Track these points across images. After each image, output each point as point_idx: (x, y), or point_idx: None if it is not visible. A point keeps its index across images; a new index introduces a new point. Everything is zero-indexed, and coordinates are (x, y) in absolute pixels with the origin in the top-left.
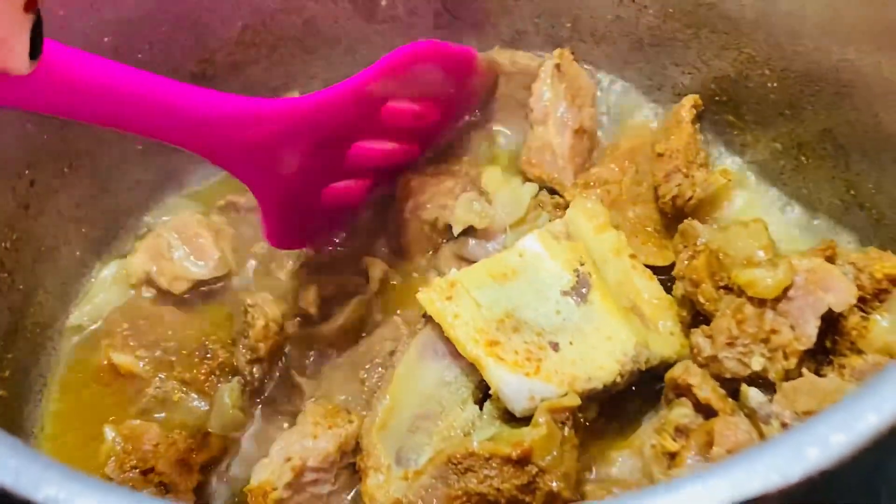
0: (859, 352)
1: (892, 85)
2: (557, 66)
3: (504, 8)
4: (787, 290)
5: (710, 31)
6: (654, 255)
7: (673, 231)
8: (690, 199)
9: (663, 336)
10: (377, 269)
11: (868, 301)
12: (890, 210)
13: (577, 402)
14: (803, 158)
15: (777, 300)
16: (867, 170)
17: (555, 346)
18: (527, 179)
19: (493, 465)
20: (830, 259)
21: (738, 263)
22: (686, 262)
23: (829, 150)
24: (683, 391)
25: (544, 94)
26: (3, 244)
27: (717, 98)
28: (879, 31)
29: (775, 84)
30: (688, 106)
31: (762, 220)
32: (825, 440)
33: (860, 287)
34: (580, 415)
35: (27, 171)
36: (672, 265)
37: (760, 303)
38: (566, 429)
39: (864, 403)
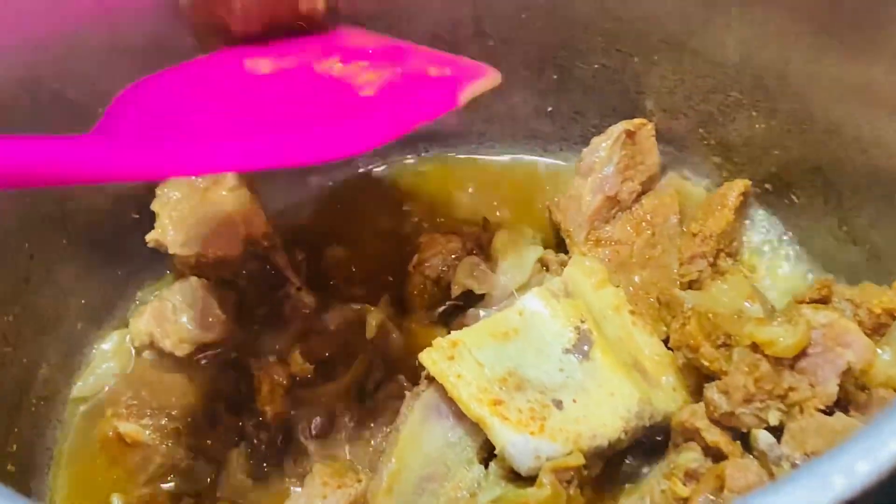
0: (863, 387)
1: (881, 123)
2: (629, 133)
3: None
4: (805, 347)
5: (696, 77)
6: (650, 329)
7: None
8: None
9: (666, 391)
10: (375, 317)
11: (869, 336)
12: (884, 244)
13: (581, 461)
14: (794, 197)
15: (796, 358)
16: (859, 205)
17: (558, 404)
18: (551, 221)
19: None
20: (827, 298)
21: (729, 320)
22: (678, 331)
23: (820, 187)
24: (691, 435)
25: (599, 151)
26: (5, 318)
27: (705, 142)
28: (860, 85)
29: (763, 125)
30: (736, 192)
31: (740, 270)
32: (851, 468)
33: (859, 323)
34: (585, 472)
35: (26, 245)
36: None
37: (778, 361)
38: (571, 488)
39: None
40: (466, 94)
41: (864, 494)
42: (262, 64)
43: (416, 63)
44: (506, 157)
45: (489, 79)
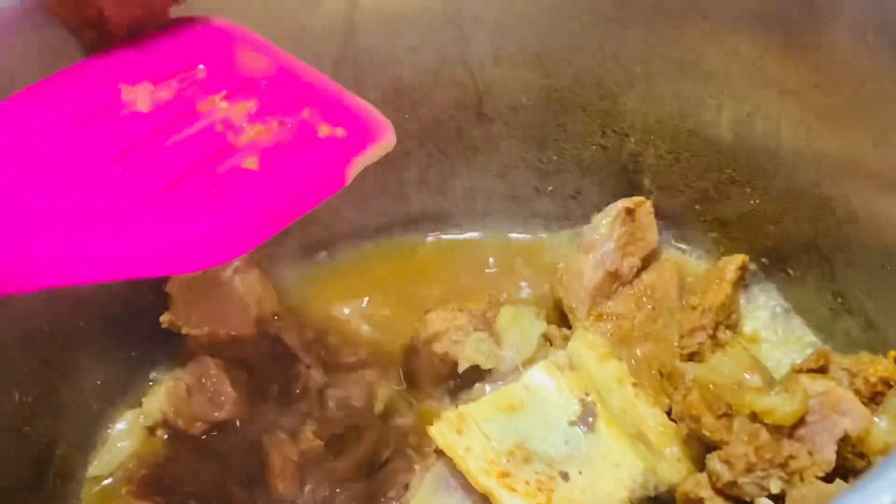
0: (862, 455)
1: (870, 196)
2: (628, 210)
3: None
4: (803, 415)
5: (691, 155)
6: (652, 401)
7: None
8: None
9: (670, 462)
10: (383, 393)
11: (865, 404)
12: (879, 314)
13: None
14: (790, 270)
15: (794, 427)
16: (853, 277)
17: (565, 476)
18: (553, 296)
19: None
20: (825, 368)
21: (729, 390)
22: (681, 402)
23: (815, 260)
24: None
25: (600, 228)
26: (25, 398)
27: (702, 218)
28: (848, 160)
29: (757, 201)
30: (733, 267)
31: (740, 342)
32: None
33: (856, 391)
34: None
35: (45, 327)
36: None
37: (777, 429)
38: None
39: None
40: (355, 168)
41: None
42: (139, 94)
43: (309, 112)
44: (509, 236)
45: (382, 143)
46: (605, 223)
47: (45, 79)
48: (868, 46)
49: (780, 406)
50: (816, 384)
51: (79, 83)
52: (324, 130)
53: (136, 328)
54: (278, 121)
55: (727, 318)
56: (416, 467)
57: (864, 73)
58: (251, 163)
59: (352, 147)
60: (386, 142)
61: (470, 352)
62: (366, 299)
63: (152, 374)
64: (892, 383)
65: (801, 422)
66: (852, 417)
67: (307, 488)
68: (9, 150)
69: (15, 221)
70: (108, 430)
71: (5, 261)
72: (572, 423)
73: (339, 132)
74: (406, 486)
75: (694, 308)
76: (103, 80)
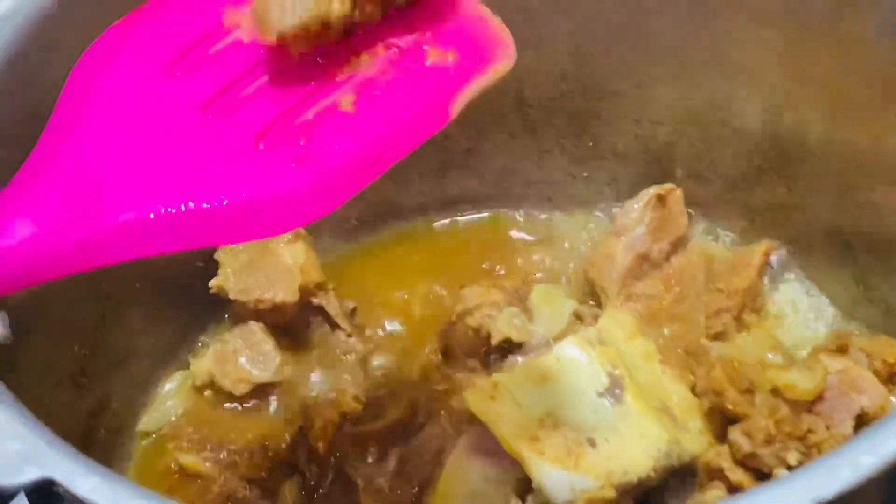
0: None
1: (892, 188)
2: (660, 197)
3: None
4: (822, 391)
5: (721, 145)
6: (677, 378)
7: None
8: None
9: (693, 434)
10: (420, 361)
11: (883, 384)
12: None
13: (613, 494)
14: (814, 257)
15: (813, 402)
16: (874, 264)
17: (592, 443)
18: (585, 276)
19: None
20: (844, 348)
21: (752, 368)
22: (704, 377)
23: (838, 248)
24: (716, 475)
25: (632, 213)
26: (82, 352)
27: (730, 205)
28: (873, 152)
29: (784, 190)
30: (759, 253)
31: (763, 324)
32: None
33: (875, 372)
34: None
35: (104, 285)
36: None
37: (796, 404)
38: None
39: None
40: (461, 100)
41: (868, 484)
42: (244, 18)
43: (422, 33)
44: (542, 218)
45: (496, 66)
46: (638, 208)
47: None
48: None
49: (801, 382)
50: (835, 362)
51: (179, 8)
52: (433, 56)
53: (188, 292)
54: (386, 44)
55: (752, 302)
56: (449, 431)
57: (891, 64)
58: (346, 103)
59: (460, 74)
60: (500, 65)
61: (503, 325)
62: (405, 274)
63: (201, 338)
64: None
65: (819, 397)
66: (869, 395)
67: (347, 448)
68: (96, 96)
69: (94, 187)
70: (158, 389)
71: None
72: (600, 395)
73: (451, 57)
74: (440, 451)
75: (720, 291)
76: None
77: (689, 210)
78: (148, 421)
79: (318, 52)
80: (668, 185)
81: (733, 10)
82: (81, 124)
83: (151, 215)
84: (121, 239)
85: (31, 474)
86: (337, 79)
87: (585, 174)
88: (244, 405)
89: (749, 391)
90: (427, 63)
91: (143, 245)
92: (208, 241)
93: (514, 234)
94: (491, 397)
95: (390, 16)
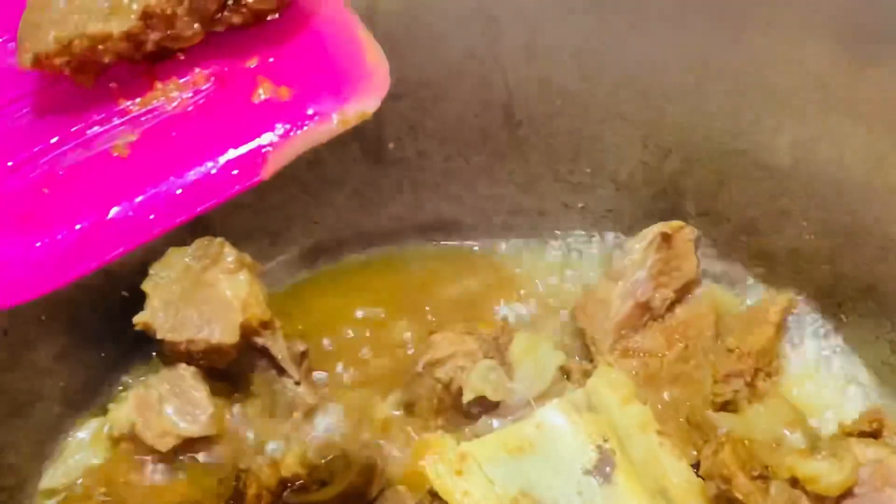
0: None
1: None
2: (665, 236)
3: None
4: (852, 486)
5: (742, 180)
6: (678, 453)
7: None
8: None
9: None
10: (378, 418)
11: None
12: None
13: None
14: (843, 317)
15: (841, 497)
16: None
17: None
18: (576, 327)
19: None
20: (878, 432)
21: (767, 449)
22: (711, 458)
23: (873, 307)
24: None
25: (632, 253)
26: None
27: (748, 250)
28: None
29: (812, 237)
30: (779, 307)
31: (780, 392)
32: None
33: None
34: None
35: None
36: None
37: (820, 499)
38: None
39: None
40: (282, 157)
41: None
42: None
43: (259, 61)
44: (530, 253)
45: (350, 110)
46: (639, 248)
47: None
48: None
49: (827, 474)
50: (869, 451)
51: None
52: (264, 90)
53: (109, 326)
54: (208, 72)
55: (768, 365)
56: None
57: None
58: (121, 145)
59: (291, 120)
60: (354, 109)
61: (477, 381)
62: (367, 311)
63: (123, 379)
64: None
65: (848, 492)
66: None
67: None
68: None
69: None
70: (69, 439)
71: None
72: (587, 473)
73: (285, 93)
74: None
75: (731, 351)
76: None
77: (699, 253)
78: (53, 477)
79: (112, 76)
80: (676, 223)
81: (766, 24)
82: None
83: None
84: None
85: None
86: (129, 109)
87: (581, 205)
88: (168, 463)
89: (762, 477)
90: (254, 99)
91: None
92: None
93: (495, 270)
94: (457, 471)
95: (224, 35)
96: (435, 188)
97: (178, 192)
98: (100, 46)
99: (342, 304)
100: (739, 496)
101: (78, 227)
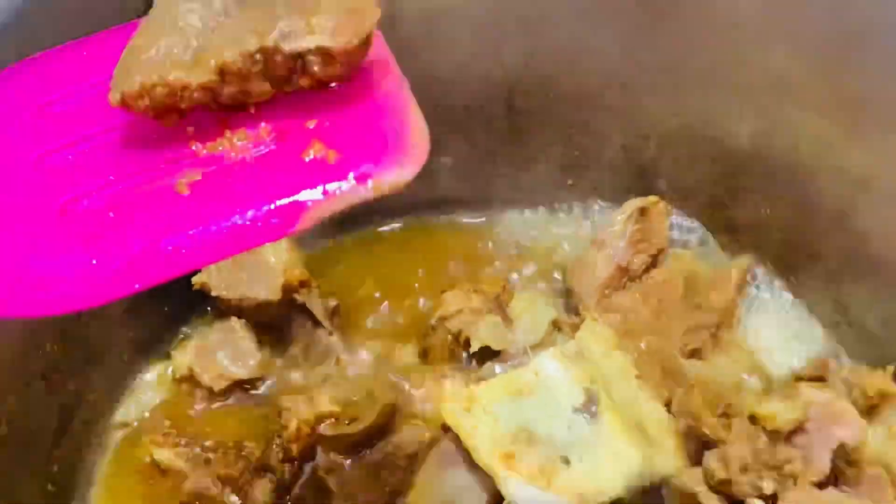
0: (853, 464)
1: (886, 215)
2: (642, 210)
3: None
4: (802, 423)
5: (709, 162)
6: (653, 394)
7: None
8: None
9: (666, 455)
10: (399, 363)
11: (862, 416)
12: (879, 329)
13: None
14: (793, 279)
15: (792, 433)
16: (858, 291)
17: (566, 461)
18: (566, 286)
19: None
20: (824, 376)
21: (730, 391)
22: (681, 399)
23: (819, 272)
24: (689, 499)
25: (614, 224)
26: (55, 347)
27: (713, 222)
28: (865, 176)
29: (768, 211)
30: (739, 270)
31: (739, 344)
32: None
33: (853, 402)
34: None
35: None
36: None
37: (775, 434)
38: None
39: None
40: (319, 212)
41: None
42: None
43: (317, 123)
44: (527, 224)
45: (386, 177)
46: (620, 220)
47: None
48: None
49: (781, 413)
50: (817, 394)
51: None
52: (315, 150)
53: (170, 286)
54: (271, 126)
55: (729, 319)
56: (425, 437)
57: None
58: (183, 184)
59: (333, 180)
60: (390, 177)
61: (483, 333)
62: (388, 273)
63: (183, 329)
64: (888, 396)
65: (799, 428)
66: (850, 429)
67: (319, 451)
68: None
69: None
70: (137, 380)
71: None
72: (576, 411)
73: (332, 157)
74: (414, 457)
75: (698, 307)
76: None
77: (672, 223)
78: (125, 412)
79: (191, 122)
80: (652, 198)
81: (733, 29)
82: None
83: None
84: None
85: None
86: (199, 153)
87: (570, 182)
88: (221, 401)
89: (726, 415)
90: (304, 157)
91: None
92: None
93: (497, 238)
94: (466, 409)
95: (291, 95)
96: (446, 169)
97: (222, 232)
98: (178, 94)
99: (366, 267)
100: (706, 431)
101: (130, 251)
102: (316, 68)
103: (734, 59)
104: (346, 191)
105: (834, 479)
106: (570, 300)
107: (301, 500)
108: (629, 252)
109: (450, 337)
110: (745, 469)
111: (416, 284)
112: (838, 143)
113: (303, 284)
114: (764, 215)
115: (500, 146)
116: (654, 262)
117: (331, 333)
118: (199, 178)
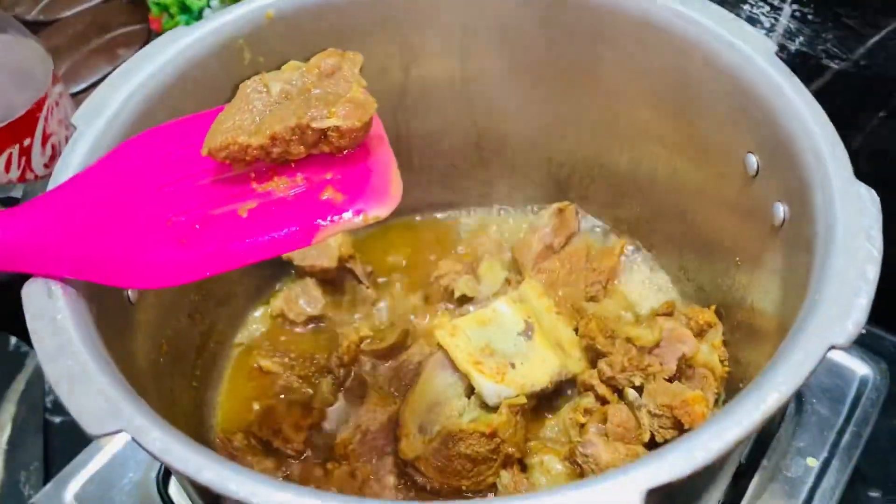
0: (690, 366)
1: (709, 212)
2: (560, 209)
3: (483, 164)
4: (658, 342)
5: (602, 180)
6: (567, 324)
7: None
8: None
9: (575, 361)
10: (410, 307)
11: (695, 337)
12: (706, 283)
13: (524, 400)
14: (654, 251)
15: (652, 348)
16: (692, 258)
17: (513, 366)
18: (513, 257)
19: (475, 437)
20: (671, 312)
21: (613, 322)
22: (584, 327)
23: (671, 247)
24: (588, 388)
25: (543, 218)
26: (194, 297)
27: (605, 216)
28: (700, 187)
29: (640, 209)
30: (619, 246)
31: (620, 291)
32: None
33: (689, 328)
34: (526, 406)
35: None
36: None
37: (642, 348)
38: (518, 416)
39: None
40: (327, 234)
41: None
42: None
43: (332, 175)
44: (491, 220)
45: (373, 213)
46: (546, 216)
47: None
48: (721, 119)
49: (645, 335)
50: (667, 323)
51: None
52: (328, 193)
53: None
54: (303, 175)
55: (613, 277)
56: (427, 352)
57: (717, 136)
58: (244, 209)
59: (339, 213)
60: (376, 213)
61: (462, 286)
62: (401, 251)
63: (278, 285)
64: (711, 325)
65: (656, 345)
66: (688, 345)
67: (362, 359)
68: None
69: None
70: (249, 316)
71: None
72: (520, 334)
73: (340, 198)
74: (420, 364)
75: (594, 269)
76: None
77: (579, 217)
78: (241, 337)
79: (253, 169)
80: (565, 203)
81: (618, 94)
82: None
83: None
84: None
85: (110, 427)
86: (256, 190)
87: (518, 194)
88: (301, 329)
89: (611, 337)
90: (321, 197)
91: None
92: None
93: (472, 229)
94: (451, 334)
95: (318, 155)
96: (437, 183)
97: (265, 241)
98: (245, 151)
99: (386, 247)
100: (599, 347)
101: (207, 250)
102: (333, 140)
103: (617, 114)
104: (346, 220)
105: (678, 376)
106: (515, 266)
107: (350, 391)
108: (552, 236)
109: (442, 289)
110: (623, 370)
111: (419, 257)
112: (682, 168)
113: (350, 256)
114: (637, 212)
115: (470, 170)
116: (567, 242)
117: (368, 287)
118: (255, 206)
